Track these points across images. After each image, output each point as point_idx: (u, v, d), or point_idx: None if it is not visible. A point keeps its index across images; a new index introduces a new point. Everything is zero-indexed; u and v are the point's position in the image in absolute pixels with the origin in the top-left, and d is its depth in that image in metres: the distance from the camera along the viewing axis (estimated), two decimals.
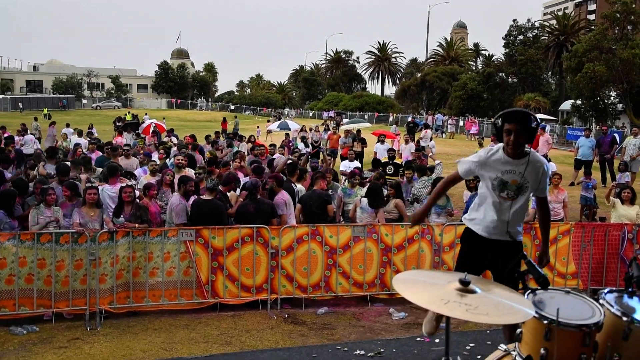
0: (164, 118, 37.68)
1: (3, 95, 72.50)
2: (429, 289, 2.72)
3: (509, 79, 56.51)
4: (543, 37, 58.35)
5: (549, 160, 14.49)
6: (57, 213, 7.89)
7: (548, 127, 37.52)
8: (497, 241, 4.55)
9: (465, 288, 2.69)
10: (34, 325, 7.15)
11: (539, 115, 45.72)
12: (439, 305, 2.54)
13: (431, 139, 24.28)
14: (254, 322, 7.46)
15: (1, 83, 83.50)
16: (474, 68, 73.77)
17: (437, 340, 6.51)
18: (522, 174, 4.39)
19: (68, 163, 10.66)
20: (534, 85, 54.54)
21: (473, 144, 31.62)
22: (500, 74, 56.07)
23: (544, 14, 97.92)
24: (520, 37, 55.84)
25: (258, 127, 36.22)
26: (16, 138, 18.89)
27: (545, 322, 2.83)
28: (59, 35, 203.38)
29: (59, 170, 9.51)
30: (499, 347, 3.29)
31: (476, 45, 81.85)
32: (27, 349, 6.51)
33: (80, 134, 20.57)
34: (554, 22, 62.57)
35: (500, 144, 4.53)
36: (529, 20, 56.93)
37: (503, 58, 58.51)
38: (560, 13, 62.51)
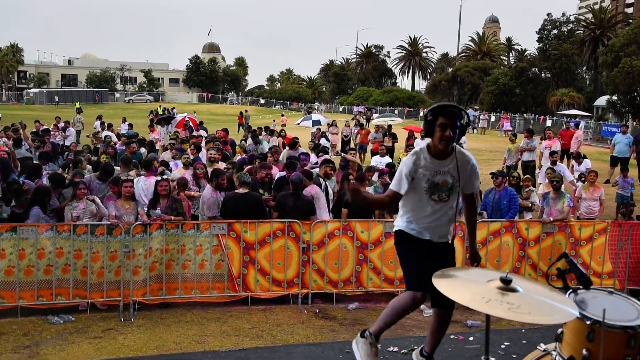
0: (194, 112, 37.96)
1: (39, 89, 74.01)
2: (470, 287, 2.68)
3: (542, 74, 55.58)
4: (578, 32, 57.22)
5: (584, 157, 14.24)
6: (89, 204, 7.97)
7: (582, 124, 36.83)
8: (440, 244, 4.47)
9: (506, 286, 2.64)
10: (70, 315, 7.27)
11: (573, 111, 45.04)
12: (480, 303, 2.50)
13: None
14: (284, 316, 7.47)
15: (38, 77, 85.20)
16: (506, 63, 72.76)
17: (471, 339, 6.45)
18: (450, 173, 4.26)
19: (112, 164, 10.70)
20: (568, 80, 53.55)
21: (505, 140, 31.21)
22: (534, 69, 55.17)
23: (579, 8, 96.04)
24: (555, 31, 54.87)
25: (274, 120, 36.27)
26: (60, 132, 19.23)
27: (588, 322, 2.76)
28: (94, 29, 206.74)
29: (104, 170, 9.53)
30: (537, 347, 3.22)
31: (509, 39, 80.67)
32: (63, 338, 6.63)
33: (109, 127, 20.83)
34: (589, 15, 61.23)
35: (422, 145, 4.38)
36: (563, 14, 55.98)
37: (536, 53, 57.57)
38: (596, 6, 61.18)
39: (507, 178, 9.56)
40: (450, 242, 4.58)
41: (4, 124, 22.72)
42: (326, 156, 12.86)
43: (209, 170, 9.75)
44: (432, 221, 4.36)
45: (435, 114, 4.18)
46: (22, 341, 6.52)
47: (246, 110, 41.47)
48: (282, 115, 42.10)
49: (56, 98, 67.11)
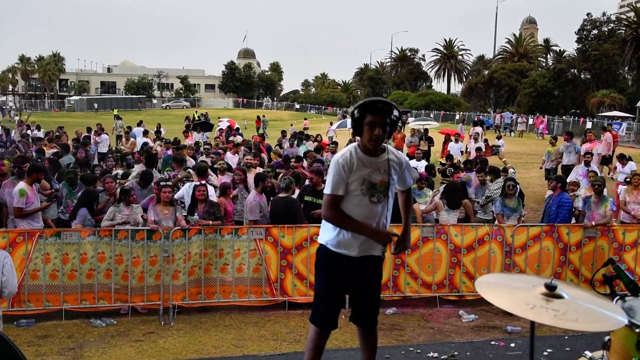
0: (219, 118, 37.80)
1: (80, 97, 75.80)
2: (514, 293, 2.63)
3: (582, 75, 54.49)
4: (619, 31, 55.92)
5: (629, 159, 13.93)
6: (135, 211, 8.13)
7: (624, 125, 35.96)
8: (366, 258, 4.02)
9: (551, 293, 2.59)
10: (111, 319, 7.41)
11: (614, 113, 44.00)
12: (525, 309, 2.45)
13: (499, 138, 23.74)
14: None
15: (78, 84, 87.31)
16: (544, 65, 71.56)
17: (512, 345, 6.34)
18: (387, 171, 3.92)
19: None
20: (608, 81, 52.41)
21: (543, 143, 30.69)
22: (573, 70, 54.17)
23: (621, 7, 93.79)
24: (595, 31, 53.82)
25: (292, 125, 36.23)
26: (93, 137, 19.65)
27: (638, 330, 2.69)
28: (132, 37, 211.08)
29: (143, 177, 9.69)
30: (584, 355, 3.15)
31: (546, 41, 79.22)
32: (106, 341, 6.76)
33: (145, 133, 21.11)
34: (631, 14, 59.76)
35: (352, 145, 3.99)
36: (604, 14, 54.88)
37: (575, 54, 56.51)
38: (639, 5, 59.49)
39: (560, 182, 9.23)
40: (380, 255, 4.12)
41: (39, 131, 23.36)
42: None
43: (248, 175, 9.90)
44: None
45: (363, 111, 3.86)
46: (66, 343, 6.67)
47: (264, 115, 41.68)
48: (305, 119, 42.21)
49: (95, 105, 68.55)
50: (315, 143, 17.97)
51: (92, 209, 8.14)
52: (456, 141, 18.00)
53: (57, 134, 18.91)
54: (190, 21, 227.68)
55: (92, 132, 21.03)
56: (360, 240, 3.94)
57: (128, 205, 8.09)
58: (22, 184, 8.16)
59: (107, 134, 21.45)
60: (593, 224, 8.42)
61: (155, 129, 23.48)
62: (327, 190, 3.91)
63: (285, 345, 6.61)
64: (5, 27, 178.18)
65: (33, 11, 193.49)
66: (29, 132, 21.84)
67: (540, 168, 16.54)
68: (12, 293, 4.99)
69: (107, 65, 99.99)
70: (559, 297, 2.59)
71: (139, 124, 25.50)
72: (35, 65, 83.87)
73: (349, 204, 3.92)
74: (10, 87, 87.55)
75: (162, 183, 8.61)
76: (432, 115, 52.36)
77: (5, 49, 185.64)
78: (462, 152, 17.31)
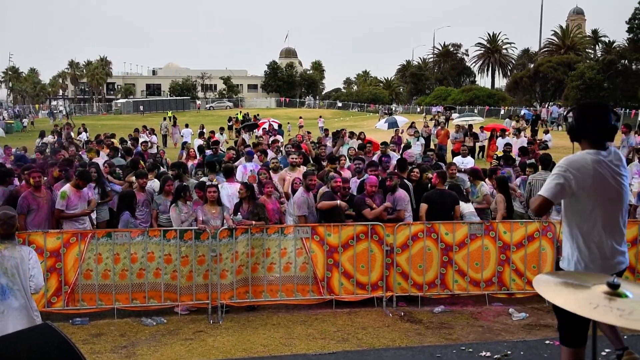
0: (255, 116, 38.43)
1: (126, 99, 77.52)
2: (575, 292, 2.54)
3: (633, 66, 52.68)
4: None
5: None
6: (191, 207, 8.24)
7: None
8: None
9: (614, 291, 2.48)
10: (162, 317, 7.53)
11: None
12: (588, 309, 2.36)
13: (547, 133, 23.22)
14: (369, 319, 7.42)
15: (125, 87, 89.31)
16: (592, 56, 69.54)
17: None
18: None
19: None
20: None
21: None
22: (623, 61, 52.39)
23: None
24: None
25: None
26: (143, 140, 20.05)
27: None
28: (176, 39, 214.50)
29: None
30: None
31: (595, 32, 77.01)
32: (157, 339, 6.86)
33: (201, 135, 21.43)
34: None
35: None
36: None
37: (626, 44, 54.66)
38: None
39: None
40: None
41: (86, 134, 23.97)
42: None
43: (292, 174, 9.93)
44: (614, 241, 3.87)
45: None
46: (119, 342, 6.80)
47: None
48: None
49: (141, 107, 69.91)
50: (359, 141, 17.86)
51: (132, 210, 8.24)
52: (502, 136, 17.71)
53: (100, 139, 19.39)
54: (232, 22, 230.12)
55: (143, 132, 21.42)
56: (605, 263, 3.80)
57: (185, 202, 8.20)
58: (66, 187, 8.37)
59: (155, 135, 21.94)
60: None
61: (199, 130, 23.87)
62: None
63: (333, 344, 6.59)
64: (56, 33, 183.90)
65: (81, 17, 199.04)
66: (81, 135, 22.39)
67: None
68: (39, 286, 5.15)
69: (152, 68, 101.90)
70: (623, 295, 2.49)
71: (175, 124, 26.05)
72: (84, 70, 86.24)
73: (582, 216, 3.93)
74: (61, 92, 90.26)
75: (208, 183, 8.70)
76: (476, 111, 51.48)
77: (56, 55, 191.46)
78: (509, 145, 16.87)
